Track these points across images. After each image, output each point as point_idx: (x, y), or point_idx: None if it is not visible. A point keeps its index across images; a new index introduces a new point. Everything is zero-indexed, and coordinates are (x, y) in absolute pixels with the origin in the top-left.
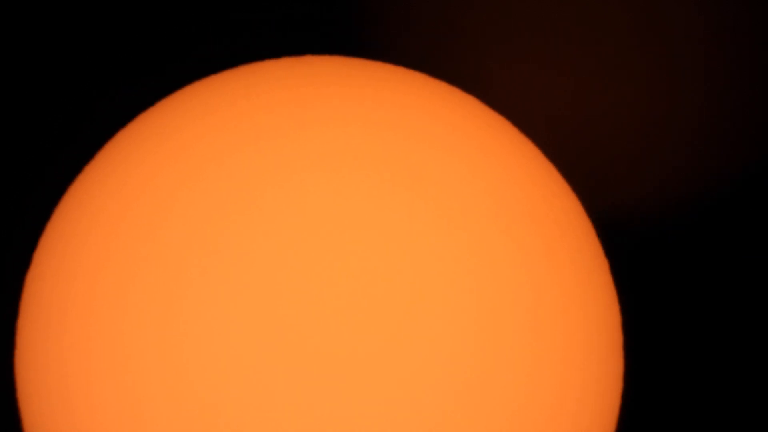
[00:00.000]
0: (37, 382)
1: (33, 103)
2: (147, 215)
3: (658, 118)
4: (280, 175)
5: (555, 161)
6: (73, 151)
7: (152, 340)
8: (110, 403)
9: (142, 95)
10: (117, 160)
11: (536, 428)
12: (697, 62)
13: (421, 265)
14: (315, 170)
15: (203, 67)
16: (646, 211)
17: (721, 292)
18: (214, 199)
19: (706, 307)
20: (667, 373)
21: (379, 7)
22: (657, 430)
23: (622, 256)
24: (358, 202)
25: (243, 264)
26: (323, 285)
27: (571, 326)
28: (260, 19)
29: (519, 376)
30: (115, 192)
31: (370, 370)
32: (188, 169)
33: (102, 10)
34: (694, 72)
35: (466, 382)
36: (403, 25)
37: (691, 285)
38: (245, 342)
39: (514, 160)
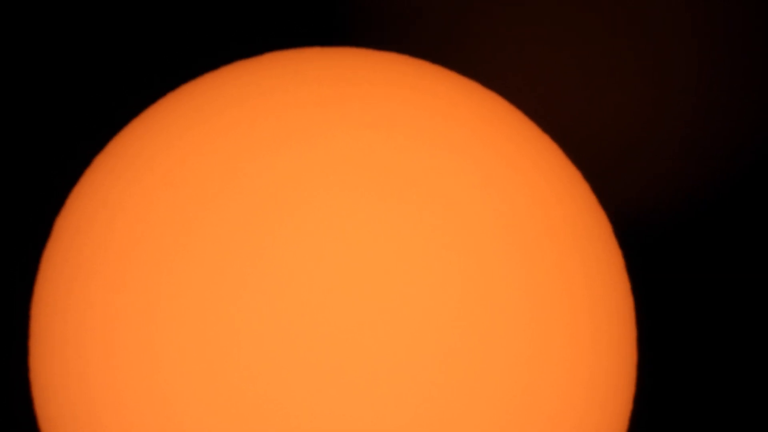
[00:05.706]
0: (53, 377)
1: (41, 99)
2: (154, 209)
3: (674, 113)
4: (287, 168)
5: (567, 153)
6: (84, 144)
7: (154, 337)
8: (115, 399)
9: (141, 94)
10: (126, 153)
11: (546, 423)
12: (705, 56)
13: (431, 259)
14: (324, 164)
15: (211, 61)
16: (660, 204)
17: (738, 287)
18: (220, 196)
19: (720, 301)
20: (680, 369)
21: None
22: (669, 421)
23: (637, 249)
24: (369, 202)
25: (257, 260)
26: (340, 283)
27: (584, 320)
28: (262, 12)
29: (530, 370)
30: (126, 185)
31: (385, 371)
32: (195, 163)
33: (110, 5)
34: (704, 65)
35: (478, 379)
36: (413, 16)
37: (705, 279)
38: (256, 341)
39: (525, 151)
